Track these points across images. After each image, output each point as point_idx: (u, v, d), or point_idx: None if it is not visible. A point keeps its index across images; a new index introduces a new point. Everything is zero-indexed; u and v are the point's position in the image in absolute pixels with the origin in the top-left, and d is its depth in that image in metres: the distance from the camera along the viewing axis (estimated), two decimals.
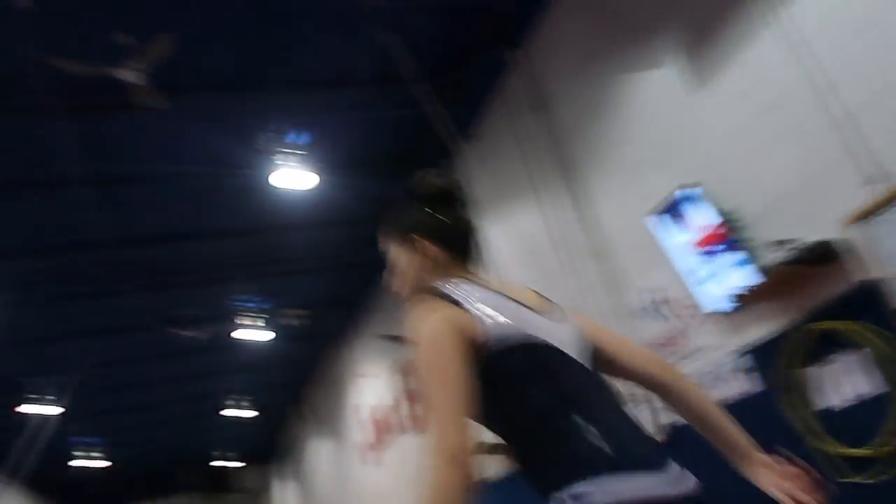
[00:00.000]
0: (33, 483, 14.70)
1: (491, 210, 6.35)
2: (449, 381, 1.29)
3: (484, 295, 1.47)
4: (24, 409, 10.79)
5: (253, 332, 10.19)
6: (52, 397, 10.67)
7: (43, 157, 6.10)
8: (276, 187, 6.88)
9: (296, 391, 14.25)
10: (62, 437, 13.25)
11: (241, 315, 9.75)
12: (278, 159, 6.47)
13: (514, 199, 5.94)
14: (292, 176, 6.66)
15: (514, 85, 5.69)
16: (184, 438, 15.86)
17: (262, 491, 20.12)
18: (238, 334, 10.38)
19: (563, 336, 1.48)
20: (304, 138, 6.59)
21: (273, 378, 13.34)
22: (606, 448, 1.30)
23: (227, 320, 10.08)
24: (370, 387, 10.07)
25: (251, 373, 12.76)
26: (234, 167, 6.91)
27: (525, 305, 1.50)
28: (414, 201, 1.65)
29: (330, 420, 12.79)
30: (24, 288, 8.00)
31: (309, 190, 6.99)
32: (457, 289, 1.48)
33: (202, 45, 5.44)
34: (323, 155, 6.83)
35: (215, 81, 5.84)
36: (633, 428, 1.42)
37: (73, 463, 15.41)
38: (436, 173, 1.70)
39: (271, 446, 18.28)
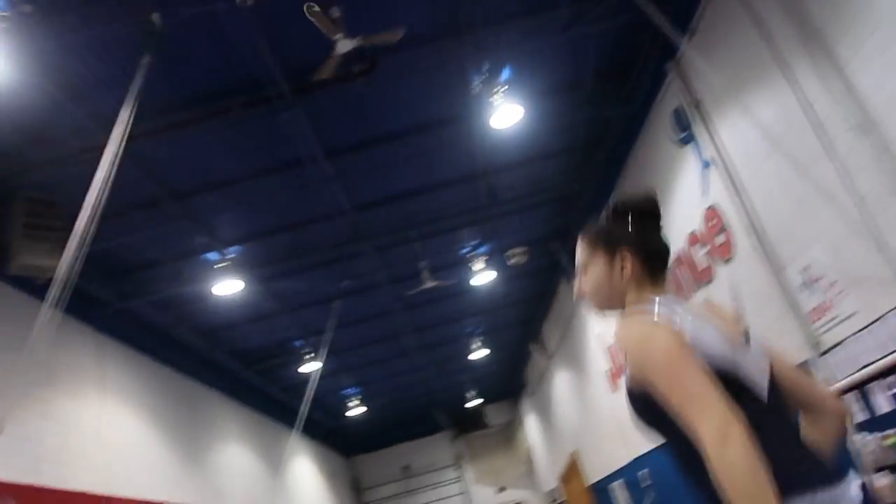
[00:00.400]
0: (311, 432, 16.76)
1: (723, 106, 5.81)
2: (693, 375, 1.35)
3: (690, 316, 1.53)
4: (304, 368, 12.25)
5: (484, 275, 10.51)
6: (314, 356, 11.98)
7: (281, 141, 6.69)
8: (487, 129, 6.92)
9: (533, 326, 14.56)
10: (327, 390, 14.88)
11: (470, 260, 10.08)
12: (487, 101, 6.47)
13: (751, 86, 5.33)
14: (503, 115, 6.63)
15: None
16: (434, 382, 17.00)
17: (511, 424, 21.09)
18: (469, 279, 10.79)
19: (754, 368, 1.51)
20: (507, 74, 6.51)
21: (510, 317, 13.76)
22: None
23: (458, 267, 10.50)
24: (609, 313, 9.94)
25: (488, 314, 13.28)
26: (444, 117, 7.06)
27: (723, 333, 1.53)
28: (622, 216, 1.71)
29: (569, 351, 12.91)
30: (281, 261, 8.94)
31: (518, 125, 6.93)
32: (667, 307, 1.55)
33: (396, 5, 5.54)
34: (529, 87, 6.72)
35: (414, 38, 5.91)
36: (802, 453, 1.46)
37: (340, 412, 17.30)
38: (644, 193, 1.77)
39: (516, 382, 19.02)
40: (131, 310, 8.68)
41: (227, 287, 8.45)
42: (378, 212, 8.50)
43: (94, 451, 7.53)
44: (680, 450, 1.45)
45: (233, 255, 8.28)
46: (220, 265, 8.21)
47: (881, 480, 4.90)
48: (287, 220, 8.20)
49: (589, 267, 1.73)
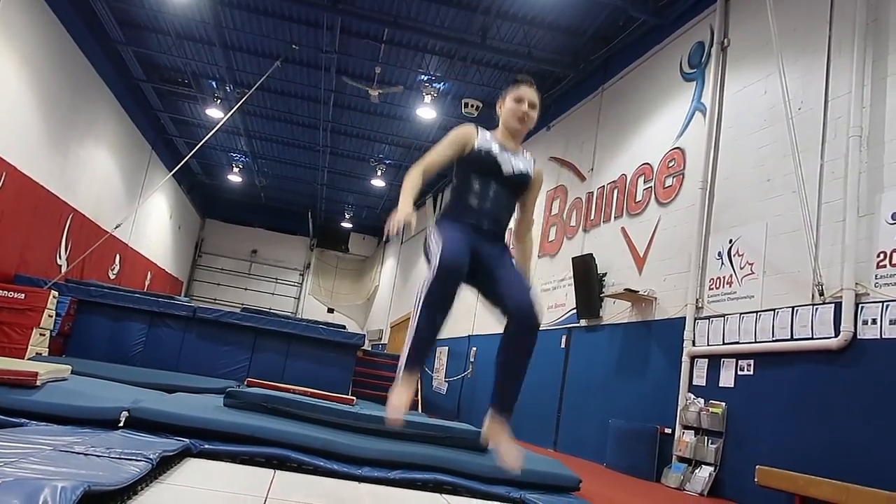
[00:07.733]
0: (180, 177, 16.11)
1: (744, 61, 5.67)
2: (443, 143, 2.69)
3: (489, 134, 2.75)
4: (209, 111, 11.51)
5: (426, 111, 10.16)
6: (220, 102, 11.29)
7: None
8: None
9: (439, 182, 14.31)
10: (216, 145, 14.18)
11: (423, 89, 9.63)
12: None
13: (786, 54, 5.12)
14: None
15: None
16: (321, 188, 16.63)
17: (368, 260, 21.41)
18: (412, 107, 10.40)
19: (505, 160, 2.69)
20: None
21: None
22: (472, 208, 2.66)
23: (408, 91, 10.04)
24: None
25: (406, 150, 12.95)
26: None
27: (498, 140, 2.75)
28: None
29: None
30: None
31: None
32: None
33: None
34: None
35: None
36: (497, 214, 2.68)
37: (219, 173, 16.70)
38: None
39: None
40: None
41: None
42: None
43: None
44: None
45: None
46: None
47: (687, 437, 5.49)
48: None
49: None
